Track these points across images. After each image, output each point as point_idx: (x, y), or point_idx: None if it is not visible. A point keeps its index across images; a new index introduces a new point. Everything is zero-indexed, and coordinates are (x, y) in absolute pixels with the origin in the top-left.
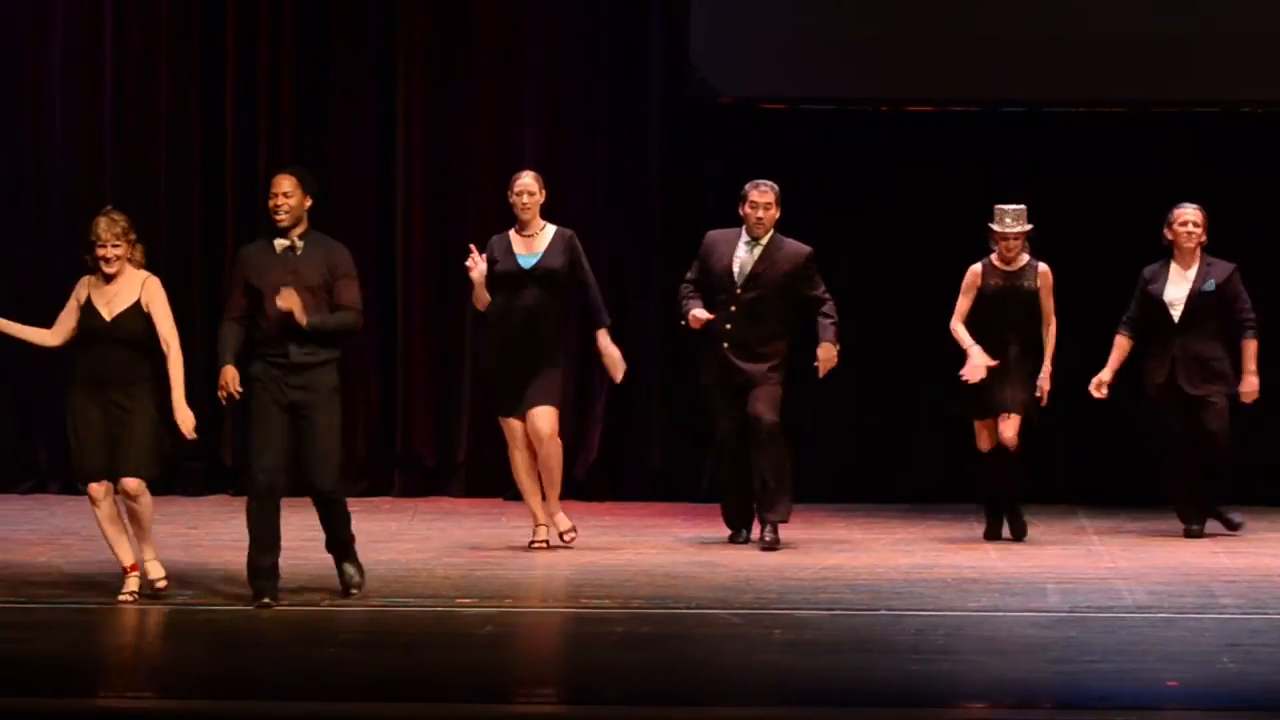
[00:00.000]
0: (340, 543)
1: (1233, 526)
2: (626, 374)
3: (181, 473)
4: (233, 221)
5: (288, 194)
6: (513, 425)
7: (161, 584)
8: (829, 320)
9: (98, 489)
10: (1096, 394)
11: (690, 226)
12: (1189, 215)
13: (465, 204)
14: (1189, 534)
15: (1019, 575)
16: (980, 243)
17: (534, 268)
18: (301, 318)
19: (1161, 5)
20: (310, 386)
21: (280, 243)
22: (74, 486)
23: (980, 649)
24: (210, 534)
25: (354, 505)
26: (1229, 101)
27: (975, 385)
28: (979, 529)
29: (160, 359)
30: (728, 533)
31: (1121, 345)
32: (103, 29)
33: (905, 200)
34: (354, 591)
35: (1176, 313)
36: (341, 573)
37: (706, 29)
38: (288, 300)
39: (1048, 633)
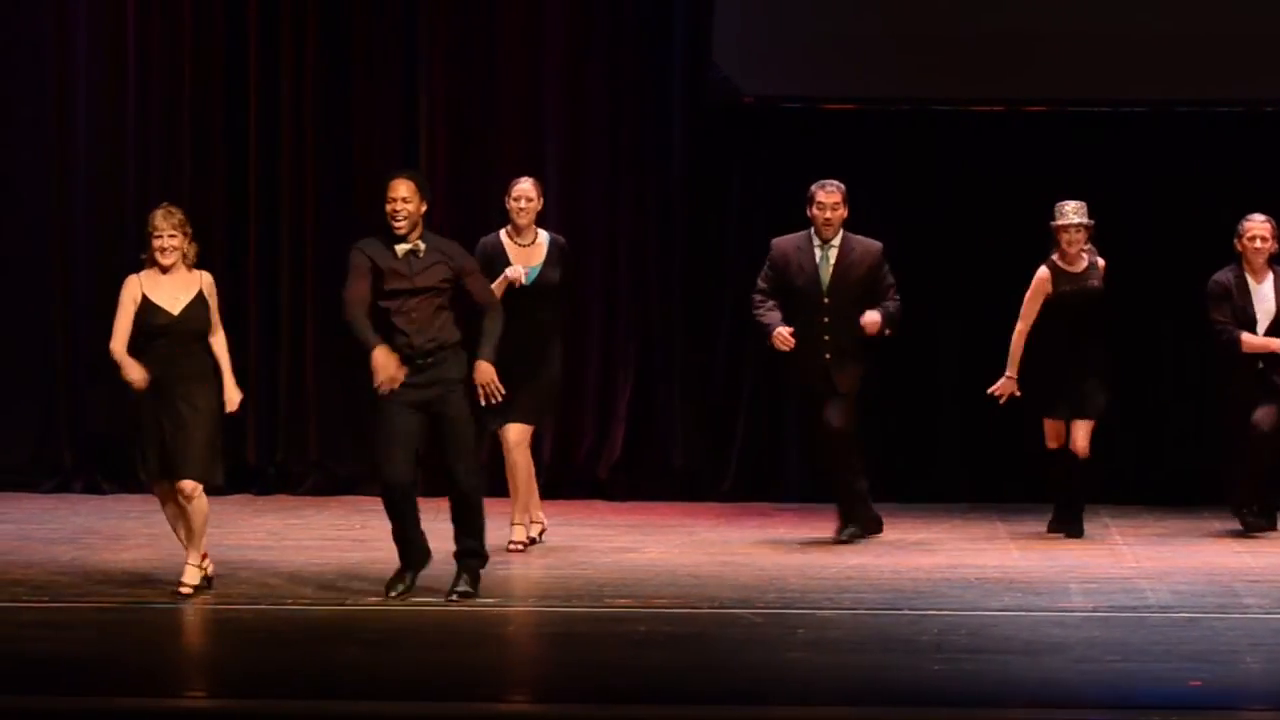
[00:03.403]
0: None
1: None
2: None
3: None
4: (254, 223)
5: (406, 199)
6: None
7: (186, 589)
8: (892, 305)
9: (164, 489)
10: None
11: (713, 227)
12: (1257, 230)
13: (488, 208)
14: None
15: (1042, 575)
16: (1004, 241)
17: (533, 283)
18: (495, 394)
19: (1182, 5)
20: (442, 382)
21: (402, 247)
22: (97, 486)
23: (1003, 649)
24: (233, 532)
25: (368, 504)
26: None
27: (1045, 383)
28: (1002, 529)
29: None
30: (749, 531)
31: None
32: (126, 26)
33: (929, 199)
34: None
35: (1262, 326)
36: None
37: (729, 28)
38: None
39: (1071, 633)
